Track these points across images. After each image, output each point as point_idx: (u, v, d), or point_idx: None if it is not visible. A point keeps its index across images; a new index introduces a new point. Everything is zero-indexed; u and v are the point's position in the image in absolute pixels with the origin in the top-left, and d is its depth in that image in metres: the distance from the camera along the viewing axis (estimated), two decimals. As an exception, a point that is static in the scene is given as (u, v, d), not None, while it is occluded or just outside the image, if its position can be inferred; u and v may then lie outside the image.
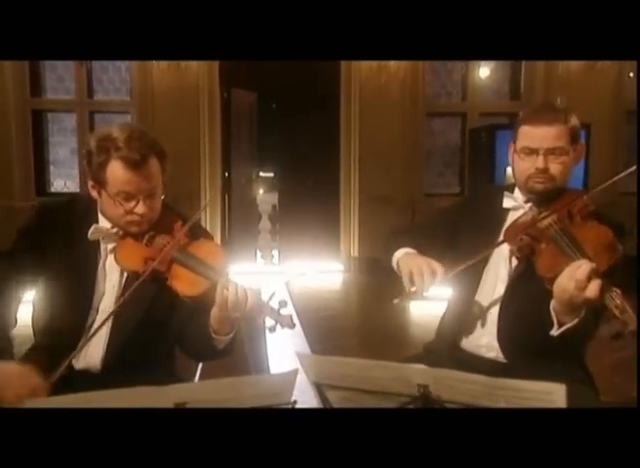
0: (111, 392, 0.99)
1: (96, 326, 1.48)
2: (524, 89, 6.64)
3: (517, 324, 1.61)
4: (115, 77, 6.71)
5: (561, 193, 1.64)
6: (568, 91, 6.25)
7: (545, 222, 1.56)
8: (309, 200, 7.00)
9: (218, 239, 6.76)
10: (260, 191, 6.78)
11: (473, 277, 1.70)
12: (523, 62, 6.60)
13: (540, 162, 1.60)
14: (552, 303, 1.46)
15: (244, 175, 7.13)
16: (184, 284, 1.48)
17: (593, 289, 1.33)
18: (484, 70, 6.80)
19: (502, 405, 0.97)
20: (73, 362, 1.50)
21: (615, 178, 1.62)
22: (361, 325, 5.16)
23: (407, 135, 6.43)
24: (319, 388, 1.14)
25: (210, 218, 6.60)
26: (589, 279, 1.33)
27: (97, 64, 6.62)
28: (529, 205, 1.68)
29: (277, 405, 1.09)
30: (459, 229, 1.81)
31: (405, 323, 4.76)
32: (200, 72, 6.30)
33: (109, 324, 1.52)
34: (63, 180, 6.85)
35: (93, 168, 1.50)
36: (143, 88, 6.30)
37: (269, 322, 1.43)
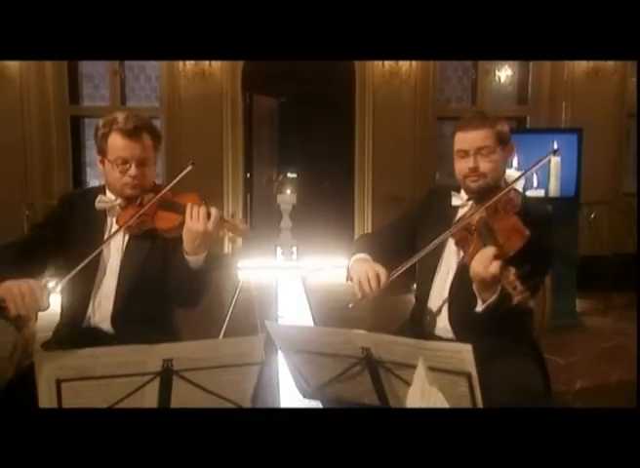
0: (110, 348, 1.19)
1: (107, 282, 1.80)
2: (531, 93, 6.71)
3: (464, 307, 1.75)
4: (146, 85, 6.99)
5: (494, 190, 1.77)
6: (572, 95, 6.33)
7: (476, 217, 1.71)
8: (326, 200, 7.18)
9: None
10: (288, 191, 6.94)
11: (430, 269, 1.87)
12: (530, 68, 6.67)
13: (470, 161, 1.77)
14: (474, 284, 1.64)
15: (265, 176, 7.34)
16: (163, 221, 1.76)
17: (493, 268, 1.51)
18: (493, 76, 6.89)
19: (426, 364, 1.12)
20: (89, 316, 1.81)
21: (529, 172, 1.77)
22: (371, 315, 5.31)
23: (418, 138, 6.56)
24: (285, 351, 1.33)
25: (232, 217, 6.83)
26: (492, 258, 1.51)
27: (129, 73, 6.91)
28: (471, 202, 1.84)
29: (249, 363, 1.29)
30: (416, 226, 1.97)
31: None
32: (223, 80, 6.52)
33: (116, 279, 1.82)
34: (98, 180, 7.16)
35: (98, 140, 1.82)
36: (171, 95, 6.55)
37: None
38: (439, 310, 1.85)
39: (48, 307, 1.56)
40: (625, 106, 6.27)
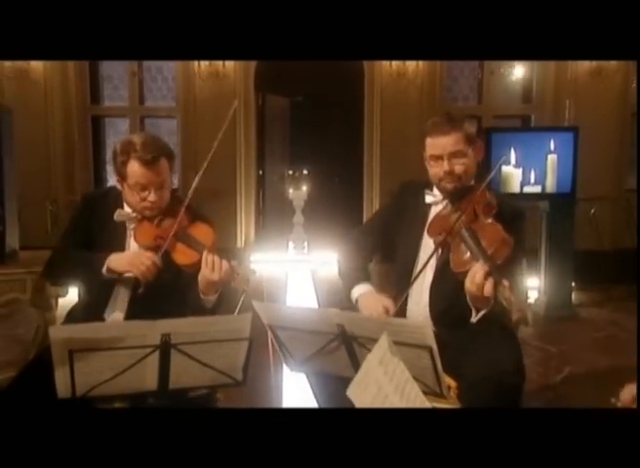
0: (115, 323, 1.33)
1: (119, 289, 1.87)
2: (535, 92, 6.75)
3: (444, 303, 1.84)
4: (163, 86, 7.16)
5: (468, 189, 1.85)
6: (576, 94, 6.36)
7: (457, 224, 1.75)
8: (335, 196, 7.29)
9: (252, 230, 7.15)
10: (302, 188, 7.04)
11: (409, 264, 1.93)
12: (535, 67, 6.71)
13: (445, 166, 1.83)
14: (467, 297, 1.66)
15: (277, 173, 7.47)
16: (182, 255, 1.83)
17: (488, 288, 1.54)
18: (499, 75, 6.94)
19: (392, 338, 1.24)
20: (107, 313, 1.89)
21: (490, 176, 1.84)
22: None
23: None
24: (272, 329, 1.46)
25: (245, 213, 6.98)
26: (485, 280, 1.55)
27: (147, 74, 7.09)
28: (446, 201, 1.90)
29: (238, 338, 1.42)
30: (390, 220, 2.04)
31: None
32: (237, 80, 6.66)
33: (130, 290, 1.88)
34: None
35: (117, 166, 1.87)
36: (187, 95, 6.71)
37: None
38: (419, 304, 1.92)
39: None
40: (628, 105, 6.29)
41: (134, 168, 1.82)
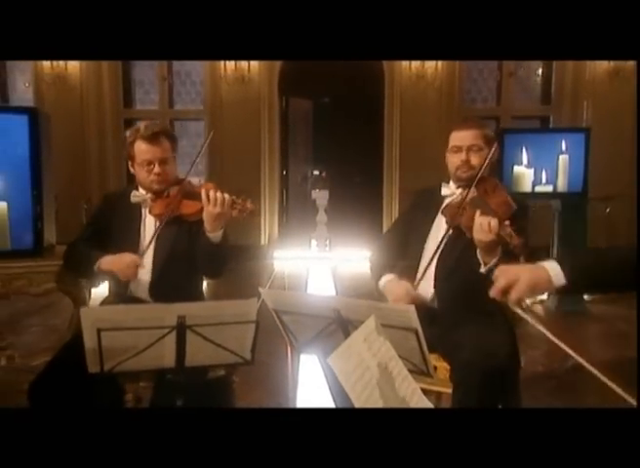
0: (136, 306, 1.48)
1: (145, 260, 2.09)
2: (554, 94, 6.76)
3: (450, 278, 2.01)
4: (191, 89, 7.37)
5: (481, 179, 2.02)
6: (594, 95, 6.36)
7: (472, 195, 1.97)
8: (356, 196, 7.41)
9: (275, 228, 7.31)
10: (326, 188, 7.21)
11: (419, 243, 2.12)
12: (554, 69, 6.72)
13: (463, 155, 2.04)
14: (478, 251, 1.87)
15: (300, 173, 7.63)
16: (187, 207, 2.07)
17: (493, 224, 1.75)
18: (517, 77, 6.96)
19: (380, 321, 1.36)
20: (131, 289, 2.12)
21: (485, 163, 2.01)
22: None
23: (444, 136, 6.69)
24: (276, 313, 1.60)
25: (268, 212, 7.15)
26: (490, 222, 1.76)
27: (176, 79, 7.31)
28: (459, 190, 2.08)
29: (246, 321, 1.56)
30: (409, 221, 2.23)
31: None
32: (261, 84, 6.83)
33: (152, 258, 2.11)
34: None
35: (127, 148, 2.13)
36: (214, 98, 6.91)
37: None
38: (426, 280, 2.07)
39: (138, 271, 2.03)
40: (646, 105, 6.25)
41: (139, 146, 2.09)
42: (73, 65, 6.77)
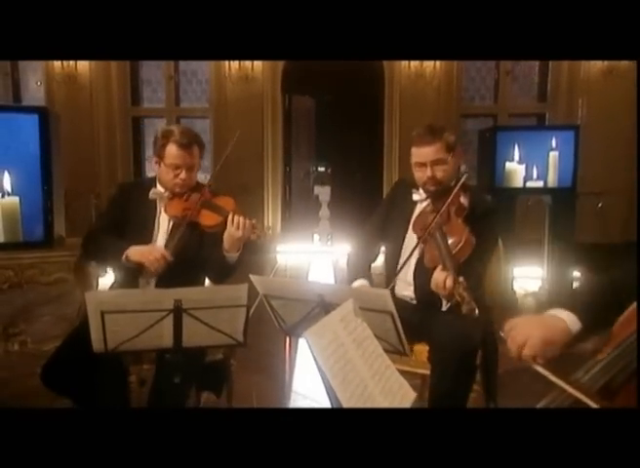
0: (137, 290, 1.58)
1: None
2: (550, 92, 6.81)
3: (424, 286, 2.05)
4: (197, 88, 7.47)
5: (448, 190, 2.06)
6: (588, 93, 6.42)
7: (433, 225, 2.00)
8: (357, 191, 7.50)
9: (278, 223, 7.42)
10: (328, 183, 7.29)
11: (396, 251, 2.19)
12: (550, 67, 6.77)
13: (428, 172, 2.07)
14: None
15: (302, 170, 7.73)
16: (207, 219, 2.11)
17: (448, 285, 1.81)
18: (514, 76, 7.02)
19: (359, 304, 1.45)
20: (139, 283, 2.15)
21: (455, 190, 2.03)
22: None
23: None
24: (266, 298, 1.71)
25: (272, 207, 7.25)
26: (445, 281, 1.81)
27: (183, 78, 7.41)
28: (429, 200, 2.14)
29: (237, 305, 1.67)
30: (386, 217, 2.30)
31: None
32: (264, 82, 6.93)
33: None
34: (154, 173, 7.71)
35: (157, 148, 2.16)
36: (219, 97, 7.01)
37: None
38: (406, 281, 2.17)
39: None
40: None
41: (171, 150, 2.12)
42: (83, 65, 6.88)
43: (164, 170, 2.17)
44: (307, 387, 2.93)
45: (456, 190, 2.02)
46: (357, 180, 7.56)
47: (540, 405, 1.11)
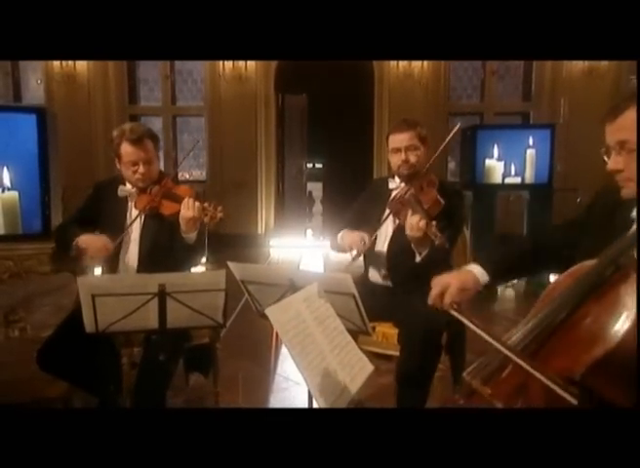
0: (124, 275, 1.71)
1: (131, 249, 2.30)
2: (534, 91, 6.94)
3: (398, 261, 2.25)
4: (193, 87, 7.59)
5: (419, 173, 2.27)
6: (570, 92, 6.54)
7: (407, 195, 2.20)
8: (349, 187, 7.61)
9: (272, 218, 7.55)
10: (320, 180, 7.36)
11: (373, 232, 2.34)
12: (534, 68, 6.90)
13: (402, 156, 2.27)
14: (412, 243, 2.13)
15: (295, 166, 7.85)
16: (167, 208, 2.23)
17: (421, 225, 1.99)
18: (499, 76, 7.15)
19: (324, 287, 1.59)
20: (120, 272, 2.27)
21: (441, 146, 2.25)
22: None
23: (430, 131, 6.88)
24: (243, 283, 1.84)
25: (265, 203, 7.38)
26: (420, 221, 1.99)
27: (178, 77, 7.53)
28: (402, 184, 2.32)
29: (216, 289, 1.80)
30: (365, 205, 2.47)
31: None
32: (258, 82, 7.05)
33: (137, 246, 2.29)
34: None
35: (114, 148, 2.27)
36: (213, 96, 7.13)
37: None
38: (380, 263, 2.34)
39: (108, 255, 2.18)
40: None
41: (125, 148, 2.22)
42: (81, 65, 7.01)
43: (124, 168, 2.27)
44: (290, 370, 3.07)
45: (432, 159, 2.28)
46: (349, 177, 7.68)
47: (473, 365, 1.26)
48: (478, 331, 1.28)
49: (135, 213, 2.33)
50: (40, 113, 2.86)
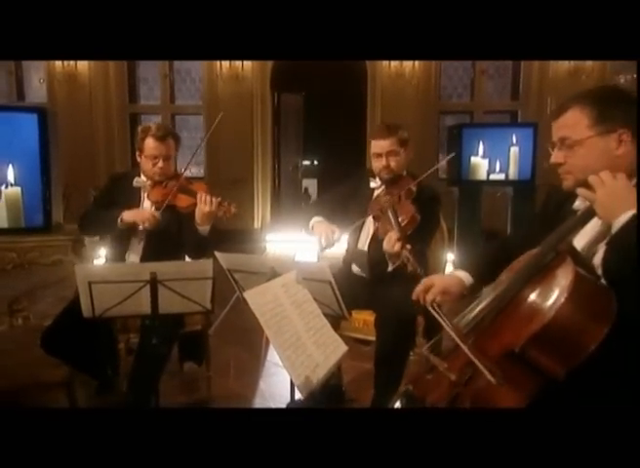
0: (119, 264, 1.82)
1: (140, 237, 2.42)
2: (522, 90, 7.04)
3: (377, 261, 2.33)
4: (191, 86, 7.67)
5: (399, 178, 2.36)
6: (556, 91, 6.64)
7: (386, 204, 2.26)
8: (342, 184, 7.72)
9: (268, 214, 7.65)
10: (315, 177, 7.45)
11: (356, 232, 2.45)
12: (522, 67, 6.99)
13: (383, 161, 2.34)
14: (385, 254, 2.20)
15: (291, 163, 7.96)
16: (182, 201, 2.36)
17: (396, 248, 2.04)
18: (489, 75, 7.24)
19: (303, 275, 1.69)
20: (126, 259, 2.40)
21: (434, 168, 2.30)
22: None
23: (421, 129, 7.01)
24: (229, 271, 1.95)
25: (261, 199, 7.48)
26: (395, 242, 2.05)
27: (177, 77, 7.61)
28: (383, 186, 2.41)
29: (204, 278, 1.91)
30: (347, 201, 2.53)
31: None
32: (254, 81, 7.13)
33: (145, 237, 2.40)
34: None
35: (138, 142, 2.43)
36: (211, 95, 7.21)
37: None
38: (361, 258, 2.43)
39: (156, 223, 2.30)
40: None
41: (149, 143, 2.39)
42: (83, 65, 7.09)
43: (144, 161, 2.43)
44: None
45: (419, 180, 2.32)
46: (342, 173, 7.78)
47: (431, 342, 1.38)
48: (448, 329, 1.40)
49: (147, 204, 2.45)
50: (41, 113, 2.96)
